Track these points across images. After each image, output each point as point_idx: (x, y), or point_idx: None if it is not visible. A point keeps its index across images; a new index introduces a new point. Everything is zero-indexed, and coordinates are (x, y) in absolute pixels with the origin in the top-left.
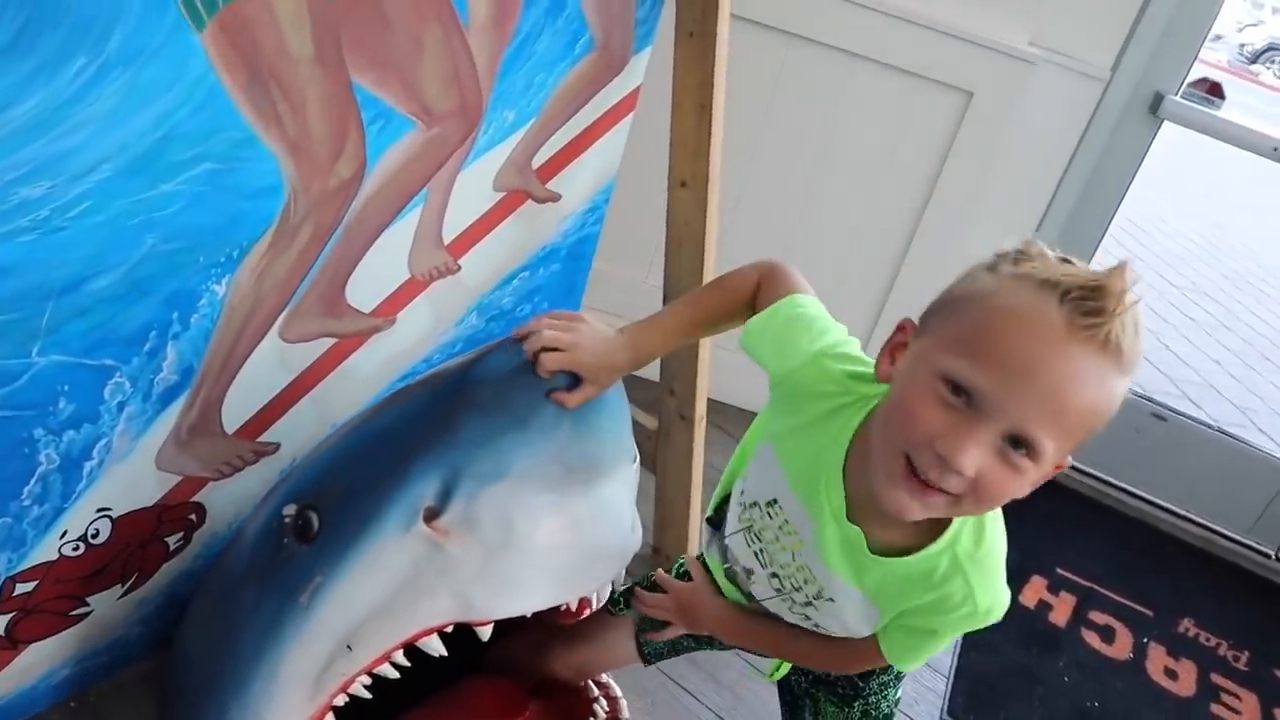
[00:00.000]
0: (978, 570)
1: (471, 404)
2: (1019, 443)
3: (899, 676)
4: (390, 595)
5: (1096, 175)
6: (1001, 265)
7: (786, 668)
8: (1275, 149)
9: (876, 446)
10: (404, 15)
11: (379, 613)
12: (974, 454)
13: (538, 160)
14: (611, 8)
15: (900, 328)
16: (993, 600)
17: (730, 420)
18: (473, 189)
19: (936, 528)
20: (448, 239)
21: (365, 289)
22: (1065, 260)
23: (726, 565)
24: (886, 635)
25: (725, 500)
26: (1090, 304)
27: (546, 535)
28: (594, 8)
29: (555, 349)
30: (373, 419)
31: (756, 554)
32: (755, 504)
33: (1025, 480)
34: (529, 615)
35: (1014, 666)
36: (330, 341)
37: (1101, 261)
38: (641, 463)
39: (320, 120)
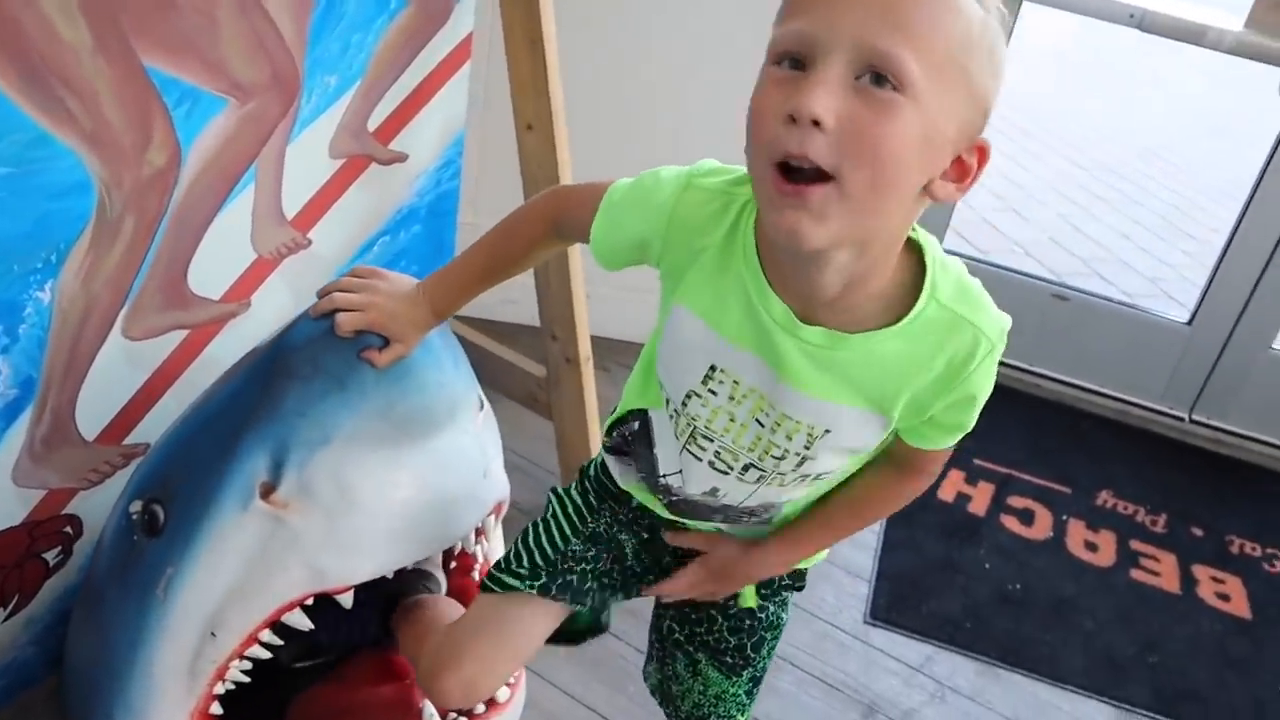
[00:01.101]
0: (969, 305)
1: (288, 373)
2: (878, 77)
3: (776, 633)
4: (242, 576)
5: None
6: None
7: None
8: (1130, 15)
9: (754, 189)
10: None
11: (235, 595)
12: (819, 94)
13: (374, 122)
14: None
15: None
16: (999, 323)
17: (621, 352)
18: (307, 160)
19: (906, 299)
20: (290, 213)
21: (210, 275)
22: None
23: (670, 500)
24: (926, 435)
25: (624, 423)
26: None
27: (385, 493)
28: None
29: (351, 309)
30: (201, 404)
31: (713, 462)
32: (691, 394)
33: (904, 121)
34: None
35: (935, 561)
36: (182, 334)
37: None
38: (536, 410)
39: (116, 109)
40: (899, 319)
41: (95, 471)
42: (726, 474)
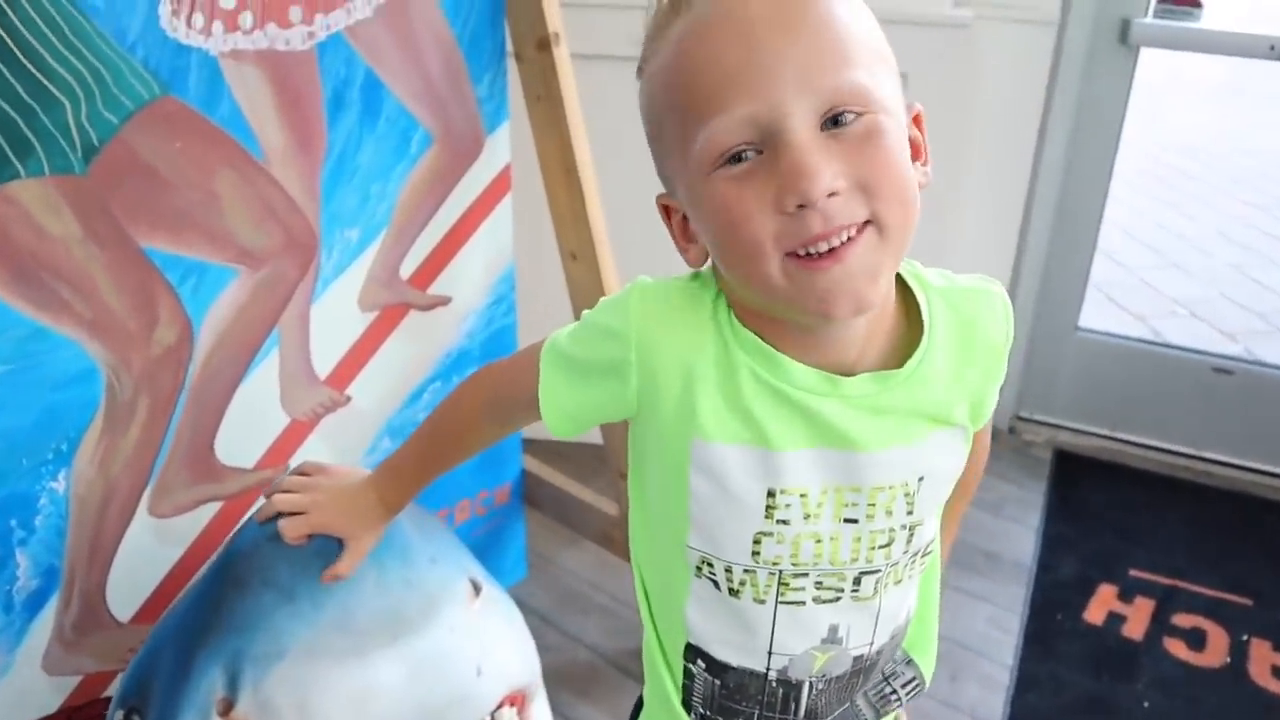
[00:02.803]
0: (947, 276)
1: (237, 584)
2: (837, 119)
3: None
4: None
5: (1080, 123)
6: (643, 67)
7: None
8: (1272, 47)
9: (757, 294)
10: (185, 172)
11: None
12: (817, 165)
13: (408, 268)
14: (441, 97)
15: (662, 208)
16: (989, 281)
17: None
18: (336, 317)
19: (905, 306)
20: (324, 373)
21: (240, 444)
22: None
23: (797, 702)
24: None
25: (692, 678)
26: None
27: (354, 708)
28: (420, 102)
29: (295, 512)
30: (171, 610)
31: (818, 596)
32: (759, 538)
33: (889, 135)
34: None
35: (1081, 700)
36: (215, 506)
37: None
38: (612, 550)
39: (115, 295)
40: (919, 330)
41: (132, 652)
42: (838, 599)
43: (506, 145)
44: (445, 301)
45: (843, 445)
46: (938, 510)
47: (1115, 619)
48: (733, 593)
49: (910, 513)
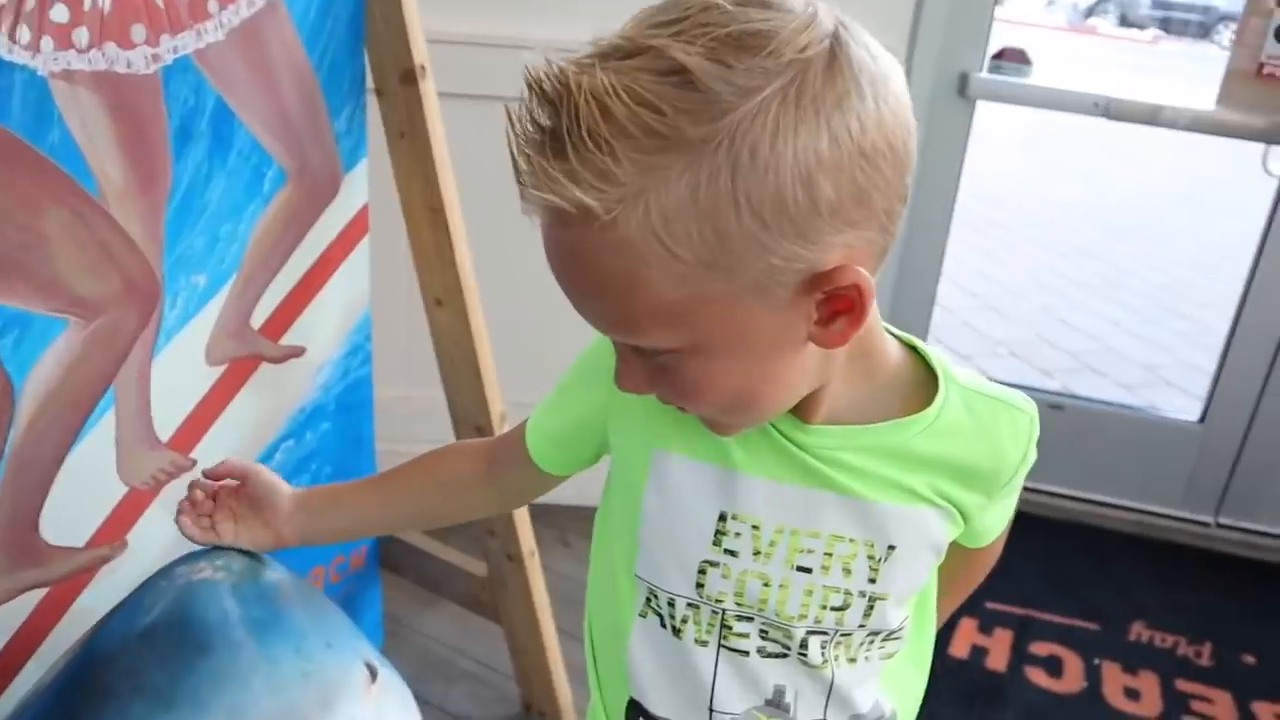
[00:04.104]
0: (987, 385)
1: (106, 694)
2: (640, 349)
3: None
4: None
5: (922, 173)
6: None
7: None
8: (1095, 104)
9: None
10: (6, 209)
11: None
12: (624, 372)
13: (259, 317)
14: (297, 130)
15: None
16: (1024, 398)
17: (583, 520)
18: (180, 372)
19: (920, 391)
20: (166, 435)
21: (70, 520)
22: None
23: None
24: (980, 530)
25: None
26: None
27: None
28: (275, 136)
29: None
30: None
31: (762, 647)
32: (704, 567)
33: (690, 373)
34: None
35: None
36: (40, 593)
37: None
38: (481, 612)
39: None
40: (919, 410)
41: None
42: (784, 656)
43: (365, 184)
44: (299, 353)
45: (805, 480)
46: (907, 598)
47: (979, 651)
48: (675, 631)
49: (873, 580)
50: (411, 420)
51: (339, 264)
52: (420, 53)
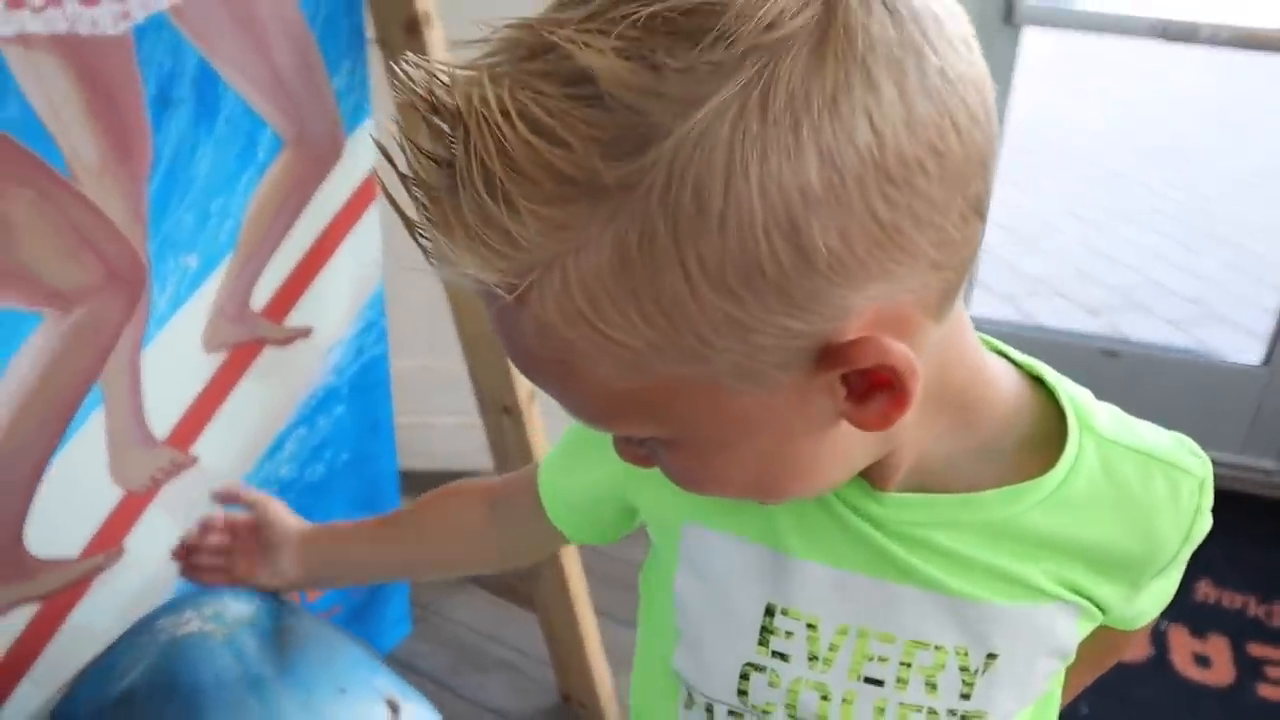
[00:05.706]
0: (1137, 435)
1: None
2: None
3: None
4: None
5: None
6: None
7: None
8: (1151, 26)
9: None
10: None
11: None
12: (618, 444)
13: (259, 299)
14: (292, 90)
15: None
16: (1186, 444)
17: None
18: (174, 363)
19: (1042, 446)
20: (162, 433)
21: (60, 531)
22: None
23: None
24: (1128, 617)
25: None
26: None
27: None
28: (267, 97)
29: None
30: None
31: None
32: (748, 671)
33: (671, 460)
34: None
35: None
36: (30, 610)
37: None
38: (516, 601)
39: None
40: (1041, 471)
41: None
42: None
43: (369, 145)
44: (306, 333)
45: (877, 569)
46: (1017, 712)
47: None
48: None
49: (967, 697)
50: (433, 392)
51: (346, 234)
52: None
